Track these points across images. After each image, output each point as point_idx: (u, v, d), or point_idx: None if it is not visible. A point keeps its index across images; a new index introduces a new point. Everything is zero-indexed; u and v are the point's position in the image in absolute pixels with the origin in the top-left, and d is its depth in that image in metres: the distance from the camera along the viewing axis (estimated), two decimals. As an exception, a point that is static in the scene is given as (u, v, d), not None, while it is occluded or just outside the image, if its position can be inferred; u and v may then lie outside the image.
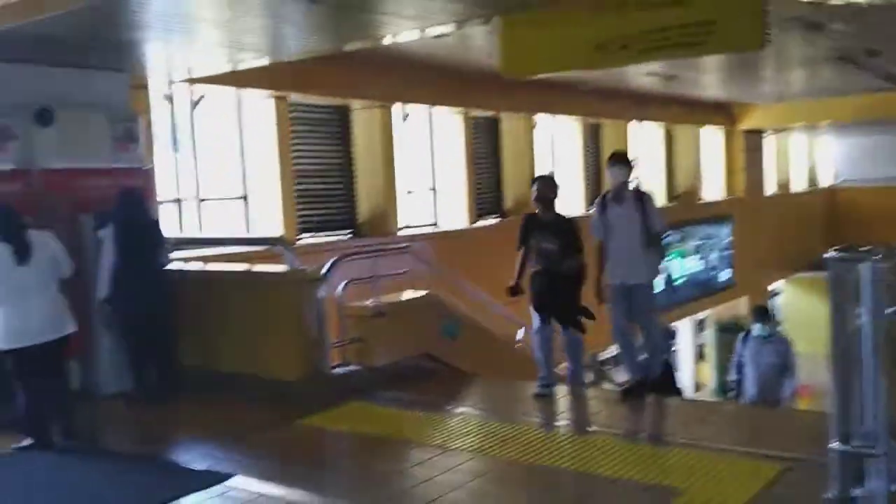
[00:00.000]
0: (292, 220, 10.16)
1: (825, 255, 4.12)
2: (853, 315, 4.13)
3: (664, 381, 6.79)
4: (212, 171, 9.94)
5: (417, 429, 5.88)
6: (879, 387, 4.10)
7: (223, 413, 6.50)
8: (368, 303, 7.19)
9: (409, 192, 12.26)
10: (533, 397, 6.58)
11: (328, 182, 11.15)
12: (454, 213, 12.75)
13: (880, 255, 3.98)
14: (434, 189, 12.79)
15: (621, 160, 6.55)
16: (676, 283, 17.03)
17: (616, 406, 6.40)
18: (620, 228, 6.38)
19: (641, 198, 6.47)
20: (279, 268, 7.17)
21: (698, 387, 19.41)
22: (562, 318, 6.62)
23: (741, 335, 9.19)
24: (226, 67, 8.08)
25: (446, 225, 12.64)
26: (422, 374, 7.28)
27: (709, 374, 19.79)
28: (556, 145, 14.96)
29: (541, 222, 6.64)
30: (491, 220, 13.19)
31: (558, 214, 6.73)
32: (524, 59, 6.08)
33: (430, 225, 12.62)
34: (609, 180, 6.59)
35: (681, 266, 17.40)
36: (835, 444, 4.25)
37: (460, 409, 6.37)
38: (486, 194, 13.36)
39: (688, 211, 17.92)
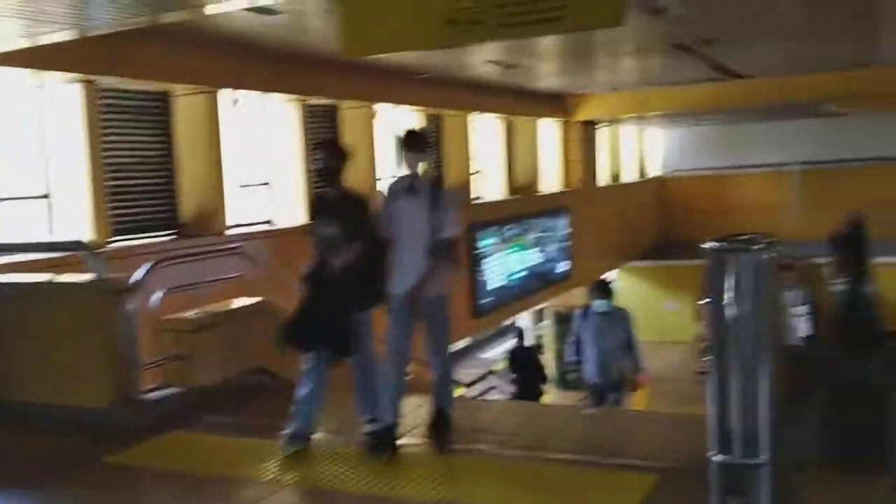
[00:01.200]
0: (104, 220, 9.01)
1: (704, 245, 3.76)
2: (732, 309, 3.79)
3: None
4: (7, 166, 8.65)
5: (248, 461, 5.09)
6: (762, 388, 3.77)
7: (14, 451, 5.47)
8: (191, 314, 6.33)
9: (243, 187, 11.34)
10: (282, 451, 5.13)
11: (147, 177, 10.03)
12: (291, 209, 11.91)
13: (761, 245, 3.65)
14: (268, 183, 11.90)
15: (418, 142, 5.30)
16: (516, 277, 16.93)
17: (477, 419, 5.88)
18: (409, 226, 5.11)
19: (438, 192, 5.21)
20: (84, 277, 6.16)
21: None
22: (336, 346, 5.05)
23: (579, 312, 8.78)
24: (21, 43, 6.93)
25: (282, 222, 11.79)
26: (256, 393, 6.47)
27: (550, 365, 19.95)
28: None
29: (325, 201, 5.30)
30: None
31: (347, 191, 5.29)
32: (367, 36, 5.40)
33: (264, 223, 11.73)
34: (403, 165, 5.30)
35: (521, 259, 17.32)
36: (714, 454, 3.91)
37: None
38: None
39: (527, 203, 17.89)
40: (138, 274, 5.99)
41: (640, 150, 26.14)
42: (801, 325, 7.60)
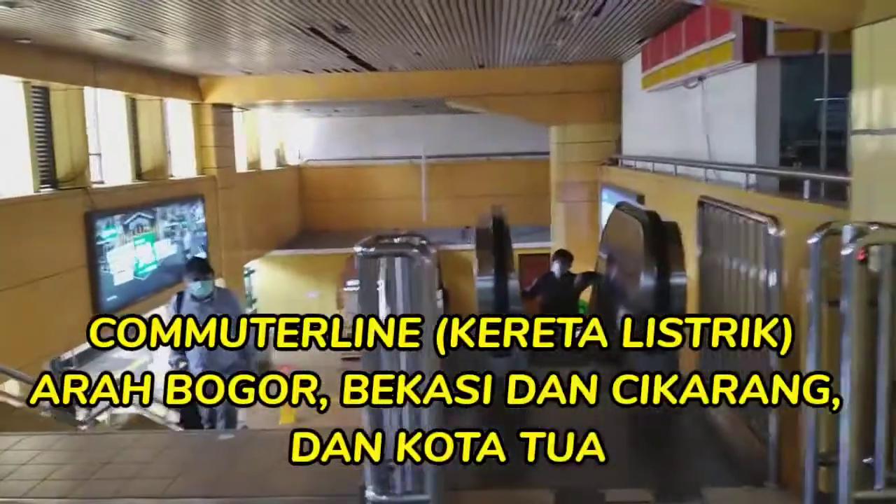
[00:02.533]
0: None
1: (356, 249, 3.22)
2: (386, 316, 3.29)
3: None
4: None
5: None
6: (423, 407, 3.30)
7: None
8: None
9: None
10: None
11: None
12: None
13: (417, 248, 3.19)
14: None
15: None
16: (146, 270, 15.42)
17: (85, 459, 4.80)
18: None
19: None
20: None
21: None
22: None
23: (174, 298, 7.41)
24: None
25: None
26: None
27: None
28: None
29: None
30: None
31: None
32: None
33: None
34: None
35: (152, 251, 15.82)
36: (370, 493, 3.39)
37: None
38: None
39: (157, 190, 16.39)
40: None
41: (279, 137, 25.58)
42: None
